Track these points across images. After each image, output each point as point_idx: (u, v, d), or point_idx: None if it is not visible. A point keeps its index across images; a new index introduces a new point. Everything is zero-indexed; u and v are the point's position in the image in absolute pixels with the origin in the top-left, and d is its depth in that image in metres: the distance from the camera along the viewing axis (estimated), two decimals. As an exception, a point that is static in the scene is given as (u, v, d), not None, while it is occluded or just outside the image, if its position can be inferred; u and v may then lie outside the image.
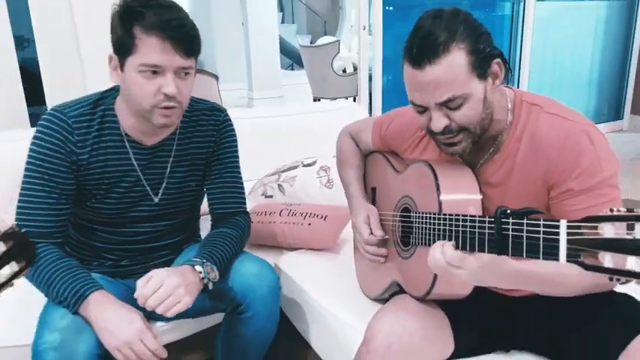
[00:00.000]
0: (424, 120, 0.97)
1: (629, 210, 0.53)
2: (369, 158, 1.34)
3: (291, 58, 7.97)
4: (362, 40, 3.45)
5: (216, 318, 1.37)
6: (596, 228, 0.56)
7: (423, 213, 1.00)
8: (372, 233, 1.18)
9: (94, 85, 2.07)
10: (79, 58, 2.10)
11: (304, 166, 1.88)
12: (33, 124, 2.11)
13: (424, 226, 0.98)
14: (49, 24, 2.05)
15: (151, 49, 1.03)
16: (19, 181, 1.73)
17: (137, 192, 1.20)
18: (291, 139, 2.08)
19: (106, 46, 2.20)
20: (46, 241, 1.10)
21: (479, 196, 0.98)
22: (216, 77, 3.69)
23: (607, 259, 0.54)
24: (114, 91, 1.18)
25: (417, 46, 0.89)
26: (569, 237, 0.59)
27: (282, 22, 8.14)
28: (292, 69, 8.17)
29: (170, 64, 1.05)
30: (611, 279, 0.54)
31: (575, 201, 0.89)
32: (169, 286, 1.01)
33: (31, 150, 1.13)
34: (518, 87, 4.31)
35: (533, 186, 0.95)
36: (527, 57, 4.25)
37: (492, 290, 1.08)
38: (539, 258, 0.64)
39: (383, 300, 1.17)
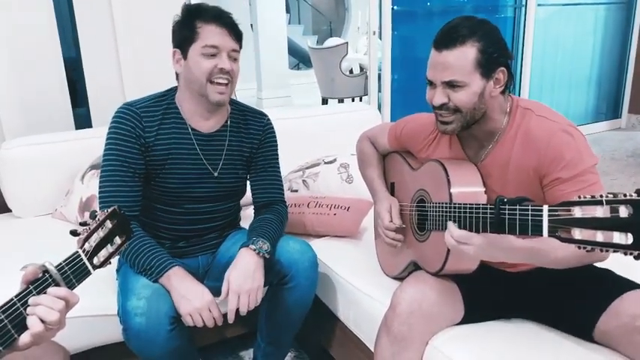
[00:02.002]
0: (430, 94, 1.18)
1: (592, 197, 0.74)
2: (388, 158, 1.55)
3: (298, 57, 8.17)
4: (372, 44, 3.63)
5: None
6: (569, 210, 0.77)
7: (436, 203, 1.21)
8: (392, 221, 1.39)
9: (131, 88, 2.29)
10: (118, 66, 2.31)
11: (325, 163, 2.08)
12: (77, 125, 2.33)
13: (437, 213, 1.18)
14: (95, 43, 2.26)
15: (211, 33, 1.30)
16: (72, 176, 1.96)
17: (198, 170, 1.41)
18: (310, 139, 2.29)
19: (141, 55, 2.42)
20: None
21: (482, 189, 1.19)
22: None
23: (576, 233, 0.75)
24: (172, 90, 1.43)
25: (443, 33, 1.13)
26: (550, 217, 0.80)
27: (289, 22, 8.32)
28: (298, 68, 8.36)
29: (225, 44, 1.31)
30: (579, 247, 0.75)
31: (564, 186, 1.09)
32: (245, 290, 1.27)
33: (108, 137, 1.36)
34: (520, 86, 4.50)
35: (527, 176, 1.15)
36: (529, 58, 4.42)
37: (496, 268, 1.29)
38: (528, 235, 0.85)
39: (401, 278, 1.37)
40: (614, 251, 0.70)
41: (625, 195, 0.70)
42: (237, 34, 1.35)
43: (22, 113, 2.15)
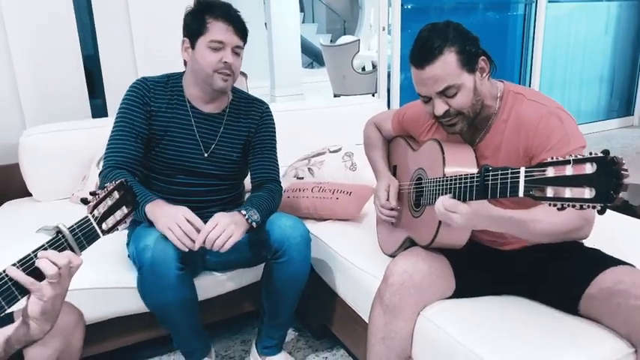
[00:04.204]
0: (429, 108, 1.24)
1: (563, 157, 0.79)
2: (393, 142, 1.62)
3: (311, 56, 8.25)
4: (381, 40, 3.68)
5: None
6: (543, 171, 0.82)
7: (431, 179, 1.26)
8: (388, 200, 1.44)
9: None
10: (133, 59, 2.41)
11: (331, 152, 2.15)
12: (94, 115, 2.43)
13: (432, 188, 1.24)
14: (111, 37, 2.37)
15: (219, 29, 1.42)
16: (88, 162, 2.06)
17: (191, 144, 1.52)
18: (318, 129, 2.36)
19: (154, 48, 2.52)
20: (124, 169, 1.43)
21: (475, 169, 1.23)
22: (245, 75, 4.01)
23: (549, 191, 0.80)
24: (179, 73, 1.58)
25: (418, 52, 1.18)
26: (526, 178, 0.86)
27: (303, 21, 8.41)
28: (312, 67, 8.43)
29: (230, 41, 1.43)
30: (549, 204, 0.80)
31: None
32: (223, 223, 1.33)
33: (121, 104, 1.52)
34: (530, 83, 4.52)
35: (517, 157, 1.21)
36: (539, 55, 4.43)
37: (486, 245, 1.34)
38: (507, 197, 0.90)
39: (398, 256, 1.42)
40: (581, 207, 0.75)
41: (591, 153, 0.75)
42: (242, 32, 1.46)
43: (43, 103, 2.25)
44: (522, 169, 0.87)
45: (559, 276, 1.22)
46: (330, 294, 1.69)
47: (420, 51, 1.17)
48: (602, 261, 1.18)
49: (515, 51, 4.46)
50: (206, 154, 1.54)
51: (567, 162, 0.78)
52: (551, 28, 4.44)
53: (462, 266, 1.29)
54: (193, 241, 1.30)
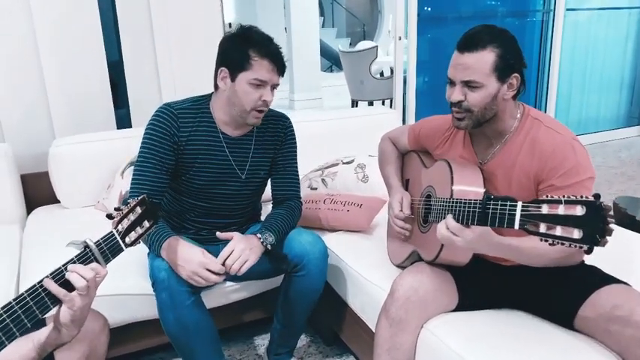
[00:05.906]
0: (450, 91, 1.29)
1: (558, 197, 0.84)
2: (406, 157, 1.68)
3: (331, 59, 8.30)
4: (398, 49, 3.72)
5: (275, 282, 1.73)
6: (539, 207, 0.88)
7: (439, 198, 1.32)
8: (401, 210, 1.50)
9: (167, 92, 2.48)
10: (156, 71, 2.51)
11: (344, 163, 2.20)
12: (118, 125, 2.54)
13: (439, 207, 1.29)
14: (135, 46, 2.47)
15: (263, 69, 1.42)
16: (113, 171, 2.16)
17: (226, 170, 1.56)
18: (333, 140, 2.42)
19: (177, 60, 2.58)
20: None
21: (482, 190, 1.28)
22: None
23: (541, 227, 0.86)
24: (208, 96, 1.57)
25: (466, 38, 1.24)
26: (522, 212, 0.91)
27: (323, 25, 8.46)
28: (331, 71, 8.49)
29: (271, 80, 1.45)
30: (540, 239, 0.85)
31: (556, 193, 1.17)
32: (239, 249, 1.39)
33: (146, 132, 1.51)
34: (547, 90, 4.48)
35: (527, 179, 1.26)
36: (557, 62, 4.41)
37: (489, 261, 1.39)
38: (504, 227, 0.96)
39: (404, 267, 1.46)
40: (570, 245, 0.80)
41: (582, 197, 0.80)
42: (283, 71, 1.47)
43: (70, 114, 2.36)
44: (519, 204, 0.92)
45: (555, 293, 1.27)
46: (341, 303, 1.75)
47: (468, 38, 1.23)
48: (597, 279, 1.23)
49: (533, 59, 4.44)
50: (243, 176, 1.58)
51: (559, 202, 0.83)
52: (570, 34, 4.41)
53: (465, 282, 1.35)
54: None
